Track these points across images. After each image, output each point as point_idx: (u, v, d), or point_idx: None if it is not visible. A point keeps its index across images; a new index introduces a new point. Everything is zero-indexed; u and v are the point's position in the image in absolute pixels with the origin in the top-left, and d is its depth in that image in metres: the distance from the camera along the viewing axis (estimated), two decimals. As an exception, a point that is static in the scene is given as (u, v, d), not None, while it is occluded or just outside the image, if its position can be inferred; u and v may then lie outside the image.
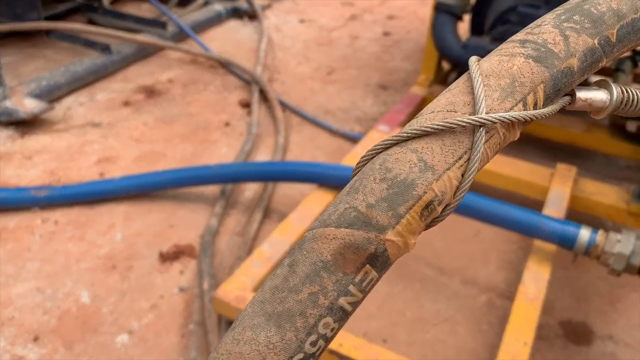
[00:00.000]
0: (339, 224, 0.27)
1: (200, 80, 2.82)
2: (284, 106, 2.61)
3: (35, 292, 1.62)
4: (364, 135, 2.22)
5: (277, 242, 1.57)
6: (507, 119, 0.28)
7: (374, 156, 0.28)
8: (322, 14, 3.80)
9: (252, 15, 3.59)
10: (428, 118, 0.28)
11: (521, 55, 0.29)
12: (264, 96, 2.67)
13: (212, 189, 2.02)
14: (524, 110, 0.28)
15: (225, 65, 2.93)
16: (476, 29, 2.39)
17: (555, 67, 0.29)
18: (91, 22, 3.25)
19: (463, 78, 0.30)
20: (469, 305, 1.68)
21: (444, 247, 1.89)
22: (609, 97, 0.32)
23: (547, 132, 2.31)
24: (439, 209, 0.28)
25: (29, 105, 2.29)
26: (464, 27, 2.48)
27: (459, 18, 2.07)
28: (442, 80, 2.55)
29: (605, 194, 1.86)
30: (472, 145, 0.28)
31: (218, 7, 3.50)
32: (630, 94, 0.32)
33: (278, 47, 3.27)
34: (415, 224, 0.27)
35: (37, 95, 2.39)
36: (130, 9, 3.57)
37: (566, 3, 0.32)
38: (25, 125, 2.31)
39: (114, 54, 2.79)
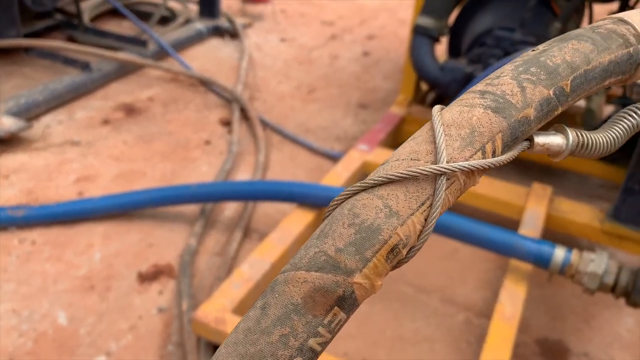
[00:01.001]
0: (309, 268, 0.28)
1: (181, 99, 2.82)
2: (265, 124, 2.63)
3: (10, 314, 1.59)
4: (344, 154, 2.24)
5: (256, 262, 1.57)
6: (467, 167, 0.29)
7: (344, 201, 0.30)
8: (303, 33, 3.84)
9: (233, 34, 3.62)
10: (393, 166, 0.30)
11: (481, 106, 0.31)
12: (244, 114, 2.68)
13: (191, 208, 2.02)
14: (483, 158, 0.30)
15: (205, 84, 2.94)
16: (454, 50, 2.45)
17: (512, 117, 0.31)
18: (71, 39, 3.24)
19: (426, 127, 0.32)
20: (448, 324, 1.70)
21: (423, 266, 1.91)
22: (565, 142, 0.34)
23: (524, 152, 2.36)
24: (404, 251, 0.30)
25: (6, 124, 2.27)
26: (443, 48, 2.53)
27: (436, 40, 2.12)
28: (421, 100, 2.60)
29: (579, 213, 1.91)
30: (434, 192, 0.29)
31: (199, 25, 3.52)
32: (586, 138, 0.35)
33: (259, 66, 3.29)
34: (382, 267, 0.29)
35: (15, 114, 2.37)
36: (111, 27, 3.57)
37: (524, 54, 0.35)
38: (3, 143, 2.29)
39: (94, 71, 2.78)
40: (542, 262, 1.52)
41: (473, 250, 1.97)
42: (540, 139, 0.34)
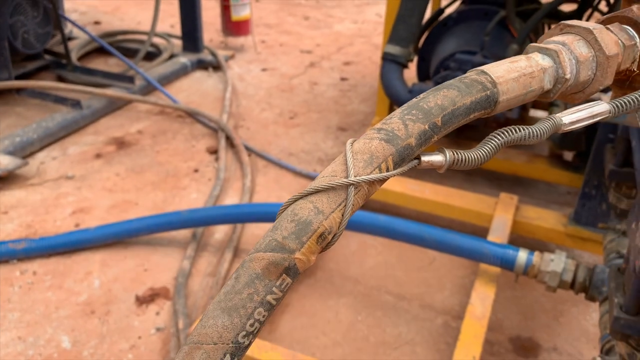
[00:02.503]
0: (265, 250, 0.42)
1: (169, 130, 2.96)
2: (250, 151, 2.77)
3: (17, 341, 1.70)
4: (325, 176, 2.38)
5: (246, 279, 1.69)
6: (368, 179, 0.44)
7: (289, 205, 0.44)
8: (283, 62, 4.02)
9: (216, 66, 3.78)
10: (320, 181, 0.44)
11: (377, 138, 0.46)
12: (230, 142, 2.83)
13: (183, 233, 2.15)
14: (380, 172, 0.45)
15: (192, 115, 3.09)
16: (422, 74, 2.62)
17: (399, 145, 0.46)
18: (61, 78, 3.39)
19: (342, 154, 0.46)
20: (428, 328, 1.82)
21: (403, 275, 2.04)
22: (445, 159, 0.49)
23: (494, 164, 2.52)
24: (329, 237, 0.44)
25: (3, 162, 2.39)
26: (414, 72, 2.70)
27: (404, 66, 2.28)
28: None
29: (545, 219, 2.06)
30: (346, 197, 0.44)
31: (183, 59, 3.68)
32: (460, 156, 0.49)
33: (242, 95, 3.45)
34: (314, 247, 0.43)
35: (11, 152, 2.50)
36: (99, 64, 3.73)
37: (410, 101, 0.49)
38: (1, 181, 2.40)
39: (84, 108, 2.92)
40: (507, 264, 1.66)
41: (449, 258, 2.11)
42: (426, 158, 0.49)
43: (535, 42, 0.56)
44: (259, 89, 3.55)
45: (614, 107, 0.54)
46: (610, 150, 1.77)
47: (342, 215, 0.44)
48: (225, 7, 3.94)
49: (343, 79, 3.73)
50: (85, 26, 4.53)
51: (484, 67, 0.52)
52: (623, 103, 0.54)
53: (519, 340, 1.80)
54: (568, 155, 2.52)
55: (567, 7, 2.61)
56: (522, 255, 1.65)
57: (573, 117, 0.53)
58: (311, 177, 2.57)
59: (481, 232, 2.05)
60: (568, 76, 0.55)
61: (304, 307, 1.88)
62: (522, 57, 0.54)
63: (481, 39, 2.25)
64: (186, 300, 1.85)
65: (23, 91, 3.07)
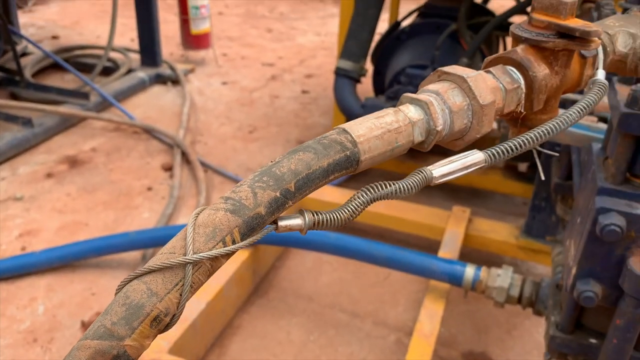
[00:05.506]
0: (93, 337, 0.41)
1: (124, 147, 2.91)
2: (206, 167, 2.73)
3: (-48, 373, 1.63)
4: (280, 192, 2.36)
5: (192, 302, 1.66)
6: (210, 255, 0.42)
7: (125, 285, 0.42)
8: (244, 75, 3.99)
9: (175, 81, 3.74)
10: (158, 259, 0.42)
11: (223, 209, 0.44)
12: (186, 158, 2.78)
13: (133, 255, 2.09)
14: (224, 247, 0.43)
15: (148, 131, 3.04)
16: (378, 88, 2.62)
17: (246, 215, 0.44)
18: (13, 95, 3.30)
19: (185, 228, 0.44)
20: (380, 345, 1.81)
21: (357, 292, 2.02)
22: (304, 222, 0.47)
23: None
24: (166, 319, 0.42)
25: (-54, 185, 2.31)
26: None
27: (357, 81, 2.28)
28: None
29: (497, 231, 2.06)
30: (184, 275, 0.41)
31: (141, 74, 3.62)
32: (321, 217, 0.47)
33: (201, 110, 3.41)
34: (147, 332, 0.41)
35: (-44, 174, 2.41)
36: (55, 81, 3.65)
37: (263, 167, 0.47)
38: (-57, 204, 2.32)
39: (36, 126, 2.84)
40: (455, 280, 1.65)
41: (403, 274, 2.09)
42: (283, 222, 0.47)
43: (488, 54, 0.55)
44: (219, 103, 3.51)
45: (489, 156, 0.53)
46: (556, 163, 1.78)
47: (180, 295, 0.42)
48: (185, 21, 3.90)
49: (304, 92, 3.72)
50: (43, 41, 4.44)
51: (346, 126, 0.51)
52: (497, 152, 0.53)
53: (471, 355, 1.80)
54: (523, 167, 2.54)
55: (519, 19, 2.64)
56: (470, 271, 1.64)
57: (444, 169, 0.52)
58: (268, 193, 2.54)
59: (435, 246, 2.05)
60: (440, 128, 0.54)
61: (255, 328, 1.84)
62: (390, 110, 0.53)
63: (432, 53, 2.26)
64: (134, 325, 1.80)
65: (-28, 109, 2.98)
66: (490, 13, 2.70)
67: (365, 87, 3.10)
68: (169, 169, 2.71)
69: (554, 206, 1.94)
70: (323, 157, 0.48)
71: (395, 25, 2.67)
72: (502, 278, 1.60)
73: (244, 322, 1.87)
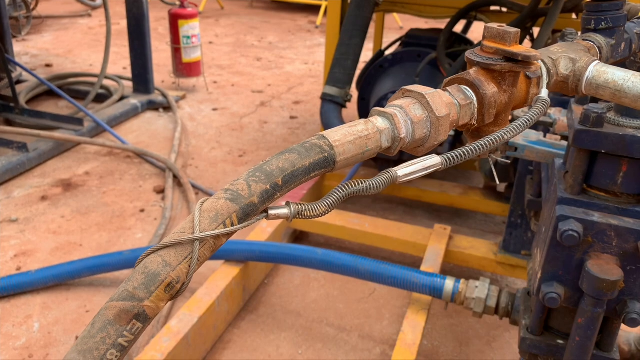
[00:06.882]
0: (118, 299, 0.50)
1: (117, 171, 2.99)
2: (197, 189, 2.81)
3: (-51, 388, 1.67)
4: (269, 212, 2.44)
5: (184, 317, 1.72)
6: (212, 234, 0.51)
7: (144, 259, 0.51)
8: (234, 102, 4.11)
9: (167, 107, 3.84)
10: (171, 237, 0.51)
11: (223, 198, 0.54)
12: (178, 181, 2.87)
13: (126, 273, 2.16)
14: (224, 228, 0.52)
15: (140, 155, 3.12)
16: (362, 113, 2.74)
17: (242, 203, 0.53)
18: (8, 121, 3.38)
19: (192, 213, 0.53)
20: (366, 358, 1.88)
21: (344, 307, 2.10)
22: (290, 211, 0.56)
23: (432, 197, 2.63)
24: (178, 286, 0.51)
25: (-57, 207, 2.37)
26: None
27: (342, 106, 2.39)
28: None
29: (477, 248, 2.16)
30: (192, 250, 0.51)
31: (134, 100, 3.72)
32: (304, 207, 0.57)
33: (192, 135, 3.51)
34: (162, 295, 0.50)
35: (-48, 197, 2.48)
36: (49, 107, 3.74)
37: (257, 165, 0.57)
38: (-60, 226, 2.38)
39: (30, 151, 2.92)
40: (436, 292, 1.74)
41: (388, 289, 2.18)
42: (273, 212, 0.56)
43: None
44: (210, 128, 3.61)
45: (445, 159, 0.62)
46: (529, 182, 1.89)
47: (189, 267, 0.52)
48: (177, 50, 4.03)
49: (292, 118, 3.84)
50: (36, 69, 4.55)
51: (324, 133, 0.61)
52: (453, 156, 0.63)
53: (453, 366, 1.87)
54: (502, 187, 2.65)
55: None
56: (449, 283, 1.73)
57: (407, 170, 0.61)
58: (257, 214, 2.62)
59: (418, 262, 2.14)
60: (403, 135, 0.63)
61: (245, 342, 1.91)
62: (361, 121, 0.63)
63: (413, 79, 2.39)
64: (127, 340, 1.86)
65: (-32, 135, 3.05)
66: (468, 42, 2.85)
67: (350, 111, 3.23)
68: (161, 191, 2.79)
69: (529, 222, 2.04)
70: (305, 157, 0.57)
71: (378, 54, 2.81)
72: (479, 289, 1.69)
73: (234, 336, 1.93)
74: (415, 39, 2.74)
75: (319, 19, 6.96)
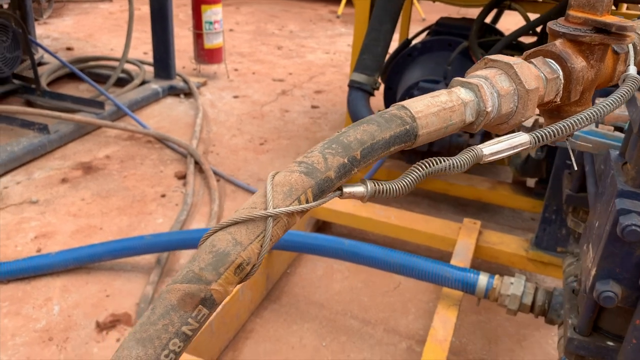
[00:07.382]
0: (182, 281, 0.43)
1: (137, 155, 2.95)
2: (219, 176, 2.77)
3: (-31, 369, 1.64)
4: (292, 201, 2.39)
5: (209, 303, 1.68)
6: (287, 211, 0.45)
7: (210, 236, 0.45)
8: (255, 89, 4.06)
9: (188, 93, 3.79)
10: (240, 212, 0.45)
11: (297, 171, 0.47)
12: (199, 168, 2.82)
13: (147, 258, 2.12)
14: (299, 204, 0.46)
15: (161, 140, 3.08)
16: (389, 101, 2.67)
17: (318, 178, 0.47)
18: (29, 103, 3.35)
19: (264, 186, 0.47)
20: (392, 352, 1.82)
21: (368, 300, 2.04)
22: (366, 190, 0.50)
23: (459, 190, 2.56)
24: (248, 268, 0.45)
25: (-36, 186, 2.34)
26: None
27: (370, 94, 2.33)
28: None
29: (507, 244, 2.09)
30: (265, 228, 0.45)
31: (155, 85, 3.68)
32: (381, 187, 0.50)
33: (213, 122, 3.46)
34: (231, 278, 0.44)
35: (-27, 176, 2.45)
36: (69, 90, 3.71)
37: (332, 136, 0.51)
38: (-39, 205, 2.35)
39: (51, 133, 2.89)
40: (468, 288, 1.67)
41: (414, 283, 2.12)
42: (347, 189, 0.50)
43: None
44: (230, 116, 3.56)
45: (534, 138, 0.56)
46: (567, 176, 1.82)
47: (261, 246, 0.45)
48: (198, 36, 3.97)
49: (314, 107, 3.77)
50: (57, 52, 4.52)
51: (405, 103, 0.54)
52: (543, 134, 0.56)
53: (482, 364, 1.81)
54: (531, 182, 2.58)
55: (528, 39, 2.70)
56: (483, 279, 1.67)
57: (494, 148, 0.55)
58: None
59: (446, 257, 2.07)
60: (489, 109, 0.57)
61: (268, 332, 1.86)
62: (443, 91, 0.56)
63: (444, 68, 2.32)
64: (148, 327, 1.82)
65: (-11, 115, 3.03)
66: (499, 32, 2.77)
67: (376, 101, 3.16)
68: (182, 177, 2.74)
69: (564, 218, 1.97)
70: (385, 129, 0.51)
71: (405, 43, 2.73)
72: (515, 286, 1.63)
73: (257, 325, 1.88)
74: (446, 28, 2.66)
75: (341, 8, 6.87)
